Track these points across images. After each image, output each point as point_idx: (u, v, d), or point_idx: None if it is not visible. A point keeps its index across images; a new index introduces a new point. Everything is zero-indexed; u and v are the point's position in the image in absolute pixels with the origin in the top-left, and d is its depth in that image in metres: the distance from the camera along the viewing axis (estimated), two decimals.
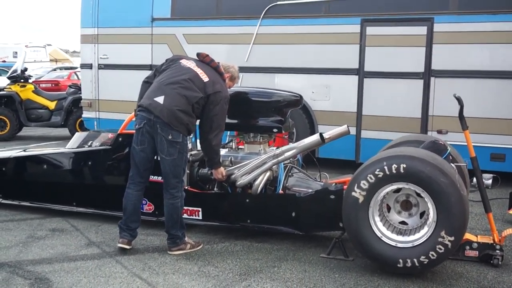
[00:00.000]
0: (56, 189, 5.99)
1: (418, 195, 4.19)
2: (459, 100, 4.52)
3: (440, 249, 4.03)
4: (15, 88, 12.21)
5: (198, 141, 5.40)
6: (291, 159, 5.25)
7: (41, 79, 22.16)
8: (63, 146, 7.14)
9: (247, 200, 5.13)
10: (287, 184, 5.27)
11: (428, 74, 7.90)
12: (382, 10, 8.15)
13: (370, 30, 8.19)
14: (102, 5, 9.96)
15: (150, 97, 4.66)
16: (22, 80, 12.38)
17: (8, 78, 12.80)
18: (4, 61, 32.30)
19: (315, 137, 5.11)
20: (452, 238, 4.02)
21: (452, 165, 4.48)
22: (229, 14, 9.10)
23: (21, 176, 6.29)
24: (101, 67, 10.15)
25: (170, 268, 4.38)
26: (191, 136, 5.07)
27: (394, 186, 4.20)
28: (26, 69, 13.24)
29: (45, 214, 5.90)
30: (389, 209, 4.35)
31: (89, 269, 4.34)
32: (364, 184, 4.20)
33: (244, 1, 9.05)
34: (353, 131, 7.77)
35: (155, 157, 4.71)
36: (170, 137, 4.54)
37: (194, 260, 4.56)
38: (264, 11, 8.68)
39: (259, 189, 5.10)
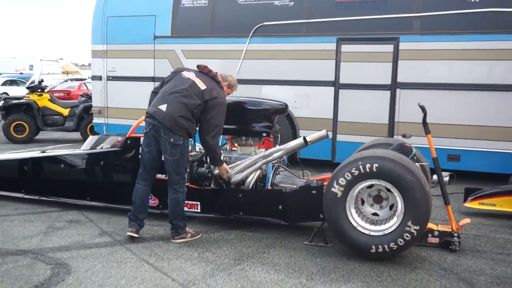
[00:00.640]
0: (72, 185, 5.98)
1: (388, 190, 4.26)
2: (422, 108, 4.59)
3: (407, 236, 4.10)
4: (33, 97, 12.14)
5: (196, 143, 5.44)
6: (278, 159, 5.29)
7: (55, 89, 22.00)
8: (76, 148, 7.12)
9: (240, 195, 5.15)
10: (274, 181, 5.30)
11: (394, 86, 7.96)
12: (355, 30, 8.19)
13: (345, 47, 8.23)
14: (111, 24, 9.92)
15: (155, 105, 4.69)
16: (39, 90, 12.32)
17: (27, 88, 12.72)
18: (21, 73, 32.10)
19: (299, 140, 5.14)
20: (417, 227, 4.09)
21: (417, 164, 4.56)
22: (222, 33, 9.10)
23: (40, 174, 6.28)
24: (109, 78, 10.10)
25: (173, 254, 4.40)
26: (191, 139, 5.06)
27: (368, 183, 4.27)
28: (42, 80, 13.18)
29: (62, 208, 5.88)
30: (363, 202, 4.40)
31: (103, 255, 4.35)
32: (342, 181, 4.26)
33: (235, 21, 9.03)
34: (329, 135, 7.82)
35: (161, 157, 4.72)
36: (172, 140, 4.57)
37: (194, 247, 4.58)
38: (253, 31, 8.70)
39: (251, 185, 5.14)
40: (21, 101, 12.31)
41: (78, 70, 40.82)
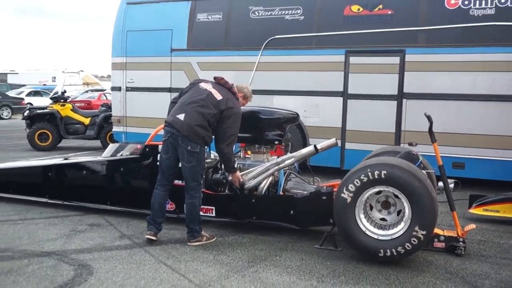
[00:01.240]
0: (93, 191, 6.01)
1: (396, 196, 4.23)
2: (429, 118, 4.57)
3: (414, 241, 4.08)
4: (56, 106, 12.25)
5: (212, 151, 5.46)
6: (289, 166, 5.29)
7: (76, 99, 22.14)
8: (97, 155, 7.17)
9: (253, 200, 5.15)
10: (286, 187, 5.29)
11: (400, 96, 7.96)
12: (363, 43, 8.21)
13: (353, 59, 8.25)
14: (130, 38, 10.02)
15: (173, 114, 4.72)
16: (61, 100, 12.43)
17: (50, 98, 12.86)
18: (44, 84, 32.47)
19: (310, 148, 5.15)
20: (424, 232, 4.07)
21: (423, 171, 4.54)
22: (235, 46, 9.15)
23: (64, 180, 6.30)
24: (128, 89, 10.18)
25: (190, 257, 4.41)
26: (207, 147, 5.09)
27: (376, 189, 4.25)
28: (65, 91, 13.30)
29: (84, 212, 5.91)
30: (371, 208, 4.37)
31: (123, 257, 4.37)
32: (351, 187, 4.25)
33: (248, 35, 9.09)
34: (338, 143, 7.83)
35: (178, 164, 4.75)
36: (189, 147, 4.59)
37: (209, 250, 4.59)
38: (265, 44, 8.75)
39: (263, 191, 5.17)
40: (44, 111, 12.43)
41: (98, 81, 41.13)
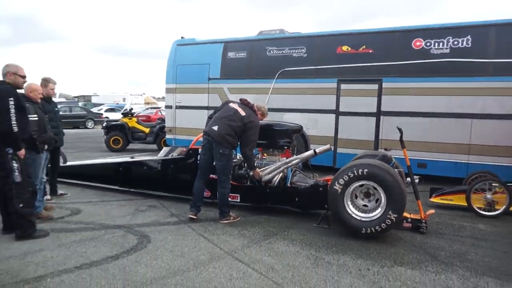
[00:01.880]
0: (151, 181, 6.07)
1: (375, 188, 4.20)
2: (400, 130, 4.53)
3: (388, 222, 4.05)
4: (125, 120, 12.37)
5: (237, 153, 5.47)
6: (295, 165, 5.27)
7: (139, 114, 22.33)
8: (154, 156, 7.24)
9: (268, 190, 5.15)
10: (292, 181, 5.27)
11: (378, 113, 7.87)
12: (351, 74, 8.15)
13: (343, 86, 8.18)
14: (179, 70, 10.10)
15: (209, 126, 4.75)
16: (129, 115, 12.56)
17: (122, 114, 13.00)
18: (117, 103, 32.86)
19: (310, 152, 5.12)
20: (396, 215, 4.03)
21: (396, 170, 4.49)
22: (255, 76, 9.14)
23: (130, 173, 6.35)
24: (177, 107, 10.25)
25: (220, 231, 4.43)
26: (234, 150, 5.10)
27: (360, 183, 4.23)
28: (132, 109, 13.46)
29: (144, 197, 5.96)
30: (356, 197, 4.34)
31: (172, 230, 4.41)
32: (341, 181, 4.23)
33: (265, 67, 9.08)
34: (332, 148, 7.79)
35: (213, 163, 4.77)
36: (221, 151, 4.61)
37: (235, 226, 4.60)
38: (277, 74, 8.74)
39: (276, 183, 5.15)
40: (117, 122, 12.57)
41: (156, 101, 41.53)
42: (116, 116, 21.24)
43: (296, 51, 8.70)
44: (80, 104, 31.44)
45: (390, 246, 4.04)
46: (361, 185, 4.26)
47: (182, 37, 10.42)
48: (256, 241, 4.11)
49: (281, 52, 8.86)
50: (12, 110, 3.73)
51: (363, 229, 4.13)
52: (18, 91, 4.02)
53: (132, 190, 6.17)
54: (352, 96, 8.13)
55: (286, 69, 8.71)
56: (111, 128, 12.45)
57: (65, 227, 4.45)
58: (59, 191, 5.93)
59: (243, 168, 5.44)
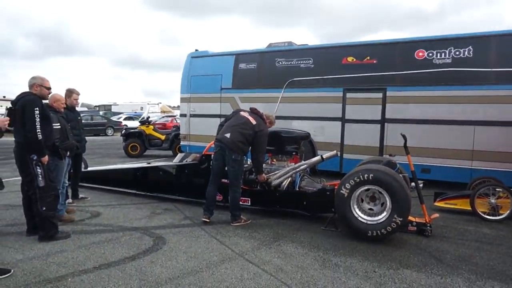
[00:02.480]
0: (167, 185, 6.05)
1: (380, 192, 4.13)
2: (404, 136, 4.47)
3: (393, 225, 3.97)
4: (143, 127, 12.47)
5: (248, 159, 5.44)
6: (303, 170, 5.23)
7: (156, 122, 22.50)
8: (169, 161, 7.25)
9: (277, 194, 5.11)
10: (301, 185, 5.23)
11: (383, 120, 7.78)
12: (356, 83, 8.09)
13: (349, 95, 8.13)
14: (193, 80, 10.16)
15: (222, 133, 4.74)
16: (146, 123, 12.68)
17: (139, 122, 13.12)
18: (135, 112, 33.20)
19: (318, 158, 5.08)
20: (401, 219, 3.96)
21: (400, 175, 4.42)
22: (265, 85, 9.13)
23: (147, 178, 6.36)
24: (191, 115, 10.28)
25: (232, 233, 4.40)
26: (245, 156, 5.08)
27: (366, 187, 4.16)
28: (149, 117, 13.57)
29: (160, 200, 5.96)
30: (362, 200, 4.27)
31: (186, 232, 4.39)
32: (347, 186, 4.18)
33: (274, 77, 9.07)
34: (338, 154, 7.71)
35: (225, 168, 4.75)
36: (233, 157, 4.59)
37: (246, 229, 4.56)
38: (286, 84, 8.72)
39: (285, 187, 5.11)
40: (135, 130, 12.69)
41: (171, 110, 41.83)
42: (134, 124, 21.44)
43: (304, 62, 8.68)
44: (101, 113, 31.82)
45: (396, 248, 3.95)
46: (367, 189, 4.19)
47: (196, 50, 10.50)
48: (266, 243, 4.06)
49: (289, 63, 8.84)
50: (37, 119, 3.78)
51: (369, 232, 4.06)
52: (43, 101, 4.07)
53: (149, 194, 6.17)
54: (358, 104, 8.06)
55: (294, 79, 8.68)
56: (129, 135, 12.55)
57: (85, 229, 4.46)
58: (80, 195, 5.96)
59: (254, 173, 5.43)
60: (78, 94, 5.58)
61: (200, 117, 10.10)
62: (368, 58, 7.99)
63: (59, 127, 4.51)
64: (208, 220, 4.72)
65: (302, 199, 4.95)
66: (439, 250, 3.94)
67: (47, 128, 3.98)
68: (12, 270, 3.21)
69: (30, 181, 3.92)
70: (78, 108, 5.92)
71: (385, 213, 4.06)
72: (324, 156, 5.00)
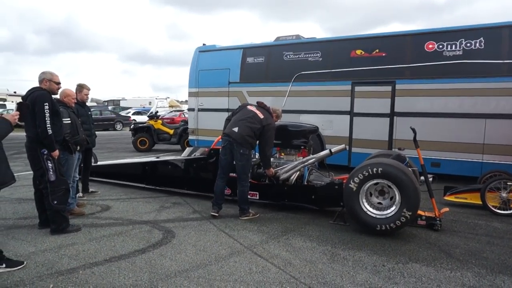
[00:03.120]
0: (176, 179, 6.08)
1: (389, 186, 4.09)
2: (413, 130, 4.41)
3: (403, 219, 3.94)
4: (151, 122, 12.55)
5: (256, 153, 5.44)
6: (311, 164, 5.20)
7: (164, 117, 22.62)
8: (178, 155, 7.28)
9: (286, 188, 5.10)
10: (309, 179, 5.22)
11: (392, 114, 7.70)
12: (364, 77, 8.02)
13: (357, 88, 8.06)
14: (201, 75, 10.17)
15: (230, 128, 4.73)
16: (155, 118, 12.75)
17: (148, 116, 13.21)
18: (144, 107, 33.36)
19: (326, 151, 5.05)
20: (410, 213, 3.92)
21: (410, 169, 4.37)
22: (273, 79, 9.11)
23: (156, 172, 6.39)
24: (199, 110, 10.31)
25: (241, 227, 4.41)
26: (253, 150, 5.07)
27: (375, 181, 4.13)
28: (157, 111, 13.66)
29: (169, 194, 6.00)
30: (371, 194, 4.24)
31: (195, 226, 4.41)
32: (356, 180, 4.15)
33: (282, 71, 9.04)
34: (347, 148, 7.67)
35: (233, 162, 4.75)
36: (241, 151, 4.59)
37: (254, 223, 4.57)
38: (294, 78, 8.68)
39: (293, 181, 5.10)
40: (144, 124, 12.79)
41: (179, 105, 41.95)
42: (143, 118, 21.59)
43: (312, 55, 8.61)
44: (110, 107, 32.04)
45: (405, 242, 3.93)
46: (376, 183, 4.16)
47: (203, 44, 10.48)
48: (274, 237, 4.06)
49: (297, 56, 8.79)
50: (47, 114, 3.81)
51: (378, 226, 4.03)
52: (53, 96, 4.11)
53: (158, 188, 6.21)
54: (366, 97, 7.99)
55: (302, 72, 8.63)
56: (138, 130, 12.65)
57: (95, 222, 4.51)
58: (91, 189, 6.03)
59: (262, 167, 5.42)
60: (88, 89, 5.62)
61: (208, 112, 10.11)
62: (377, 51, 7.90)
63: (70, 122, 4.54)
64: (216, 214, 4.74)
65: (311, 193, 4.94)
66: (448, 244, 3.90)
67: (57, 123, 4.02)
68: (25, 262, 3.26)
69: (41, 175, 3.97)
70: (87, 103, 5.96)
71: (394, 207, 4.03)
72: (332, 150, 4.98)
